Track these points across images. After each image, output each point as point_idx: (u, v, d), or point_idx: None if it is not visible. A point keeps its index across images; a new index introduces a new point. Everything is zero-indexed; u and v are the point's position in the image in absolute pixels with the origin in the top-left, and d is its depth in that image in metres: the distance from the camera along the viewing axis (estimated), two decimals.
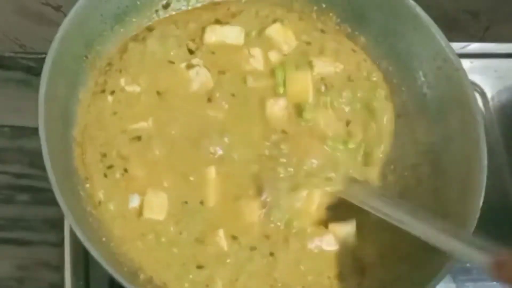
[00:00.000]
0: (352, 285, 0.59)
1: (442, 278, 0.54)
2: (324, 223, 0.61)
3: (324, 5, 0.69)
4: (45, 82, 0.54)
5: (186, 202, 0.59)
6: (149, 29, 0.66)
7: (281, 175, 0.61)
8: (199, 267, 0.57)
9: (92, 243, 0.49)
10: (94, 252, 0.49)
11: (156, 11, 0.67)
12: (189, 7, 0.68)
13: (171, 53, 0.64)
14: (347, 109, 0.66)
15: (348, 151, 0.64)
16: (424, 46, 0.65)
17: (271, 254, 0.59)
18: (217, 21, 0.67)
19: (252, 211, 0.60)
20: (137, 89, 0.62)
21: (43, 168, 0.50)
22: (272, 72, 0.65)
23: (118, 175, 0.58)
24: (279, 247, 0.59)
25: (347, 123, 0.65)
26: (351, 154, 0.64)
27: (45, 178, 0.50)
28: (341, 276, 0.59)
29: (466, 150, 0.61)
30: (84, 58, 0.61)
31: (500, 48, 0.81)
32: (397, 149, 0.65)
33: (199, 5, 0.69)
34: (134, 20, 0.65)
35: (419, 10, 0.65)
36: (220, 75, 0.64)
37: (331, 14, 0.70)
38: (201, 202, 0.59)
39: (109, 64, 0.63)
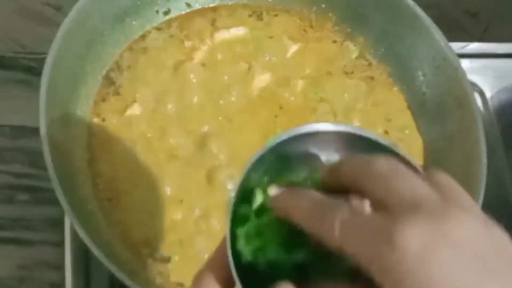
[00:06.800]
0: None
1: None
2: None
3: (323, 5, 0.70)
4: (46, 82, 0.54)
5: None
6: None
7: None
8: None
9: (93, 241, 0.49)
10: (95, 250, 0.48)
11: (157, 11, 0.67)
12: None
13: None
14: None
15: None
16: (423, 45, 0.65)
17: None
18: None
19: None
20: None
21: (43, 167, 0.50)
22: None
23: None
24: None
25: None
26: None
27: (46, 178, 0.50)
28: None
29: (466, 149, 0.61)
30: (85, 58, 0.61)
31: (499, 48, 0.81)
32: None
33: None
34: (134, 22, 0.66)
35: (418, 10, 0.65)
36: None
37: (330, 14, 0.70)
38: None
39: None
